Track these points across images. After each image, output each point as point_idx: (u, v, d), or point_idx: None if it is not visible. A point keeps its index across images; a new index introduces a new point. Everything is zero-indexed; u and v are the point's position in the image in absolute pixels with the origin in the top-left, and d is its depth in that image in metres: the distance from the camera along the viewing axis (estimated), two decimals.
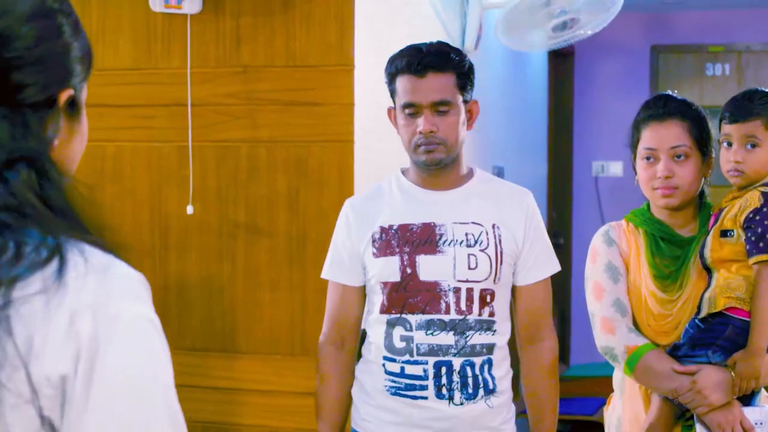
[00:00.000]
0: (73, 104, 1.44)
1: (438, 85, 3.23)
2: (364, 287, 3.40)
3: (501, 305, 3.30)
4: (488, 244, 3.26)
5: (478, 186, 3.37)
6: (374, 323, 3.35)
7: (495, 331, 3.27)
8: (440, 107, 3.22)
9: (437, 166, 3.28)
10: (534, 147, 8.29)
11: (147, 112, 4.50)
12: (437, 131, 3.22)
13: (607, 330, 3.31)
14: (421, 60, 3.22)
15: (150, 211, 4.53)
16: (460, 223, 3.27)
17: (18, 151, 1.33)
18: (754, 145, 3.22)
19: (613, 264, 3.38)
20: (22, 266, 1.28)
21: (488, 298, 3.26)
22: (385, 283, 3.28)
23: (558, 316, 8.29)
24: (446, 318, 3.22)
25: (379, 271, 3.28)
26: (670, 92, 3.48)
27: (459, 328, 3.22)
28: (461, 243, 3.25)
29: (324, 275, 3.47)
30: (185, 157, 4.44)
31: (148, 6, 4.35)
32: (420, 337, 3.23)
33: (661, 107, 3.35)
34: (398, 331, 3.27)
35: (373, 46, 4.40)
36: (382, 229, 3.31)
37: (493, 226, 3.28)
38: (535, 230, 3.34)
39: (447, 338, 3.22)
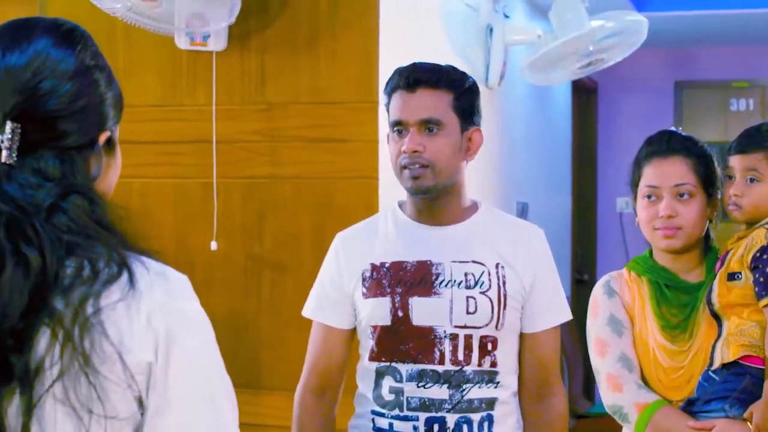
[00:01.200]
0: (109, 142, 1.74)
1: (428, 102, 2.90)
2: (351, 331, 3.07)
3: (506, 354, 2.96)
4: (490, 285, 2.92)
5: (481, 221, 3.03)
6: (363, 372, 3.03)
7: (498, 383, 2.93)
8: (429, 125, 2.89)
9: (426, 195, 2.93)
10: (558, 183, 8.28)
11: (172, 149, 4.52)
12: (423, 152, 2.88)
13: (615, 388, 3.08)
14: (413, 74, 2.93)
15: (175, 247, 4.54)
16: (460, 262, 2.93)
17: (69, 186, 1.62)
18: (753, 180, 3.08)
19: (615, 317, 3.15)
20: (100, 281, 1.57)
21: (490, 346, 2.92)
22: (374, 327, 2.95)
23: (581, 351, 8.24)
24: (440, 369, 2.88)
25: (369, 313, 2.96)
26: (674, 129, 3.32)
27: (454, 380, 2.88)
28: (460, 284, 2.91)
29: (306, 313, 3.15)
30: (210, 194, 4.46)
31: (174, 43, 4.38)
32: (410, 390, 2.89)
33: (664, 143, 3.17)
34: (387, 382, 2.93)
35: None
36: (373, 267, 2.98)
37: (497, 265, 2.94)
38: (546, 272, 3.02)
39: (440, 392, 2.87)
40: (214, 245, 4.43)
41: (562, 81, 5.90)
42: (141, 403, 1.60)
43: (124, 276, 1.60)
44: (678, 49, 9.42)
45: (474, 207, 3.07)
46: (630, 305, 3.18)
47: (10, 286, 1.52)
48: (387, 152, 4.29)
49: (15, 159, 1.60)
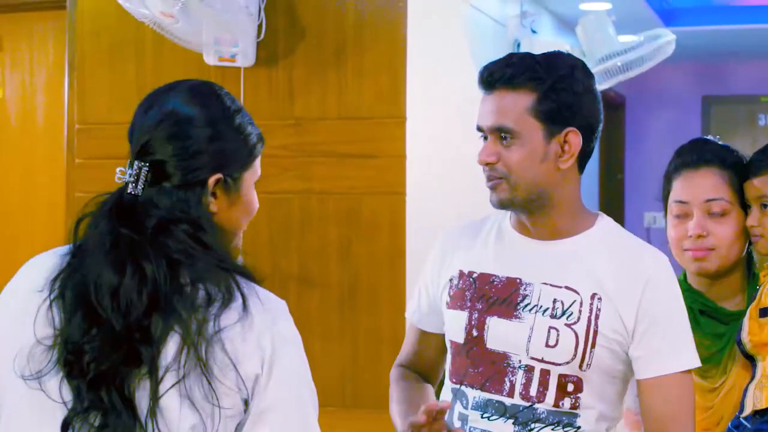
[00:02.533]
0: (226, 183, 2.06)
1: (501, 105, 2.48)
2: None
3: (595, 399, 2.49)
4: (579, 318, 2.46)
5: (589, 241, 2.56)
6: (445, 389, 2.68)
7: (579, 429, 2.47)
8: (501, 133, 2.48)
9: (508, 209, 2.57)
10: (585, 198, 8.23)
11: None
12: (495, 162, 2.48)
13: (632, 425, 2.73)
14: (488, 71, 2.51)
15: None
16: (551, 286, 2.50)
17: (176, 215, 1.97)
18: (766, 206, 2.70)
19: None
20: (218, 304, 1.92)
21: (570, 387, 2.47)
22: (452, 343, 2.62)
23: None
24: (507, 401, 2.49)
25: (448, 325, 2.63)
26: (710, 137, 2.95)
27: (522, 417, 2.48)
28: (545, 311, 2.49)
29: (406, 312, 2.85)
30: None
31: (202, 59, 4.39)
32: (474, 420, 2.53)
33: (695, 153, 2.78)
34: (457, 407, 2.58)
35: (425, 98, 4.42)
36: (461, 275, 2.61)
37: (593, 296, 2.47)
38: (659, 307, 2.47)
39: (505, 427, 2.49)
40: (240, 260, 4.42)
41: None
42: (246, 404, 1.95)
43: (239, 300, 1.95)
44: (706, 64, 9.40)
45: (590, 221, 2.60)
46: None
47: (130, 289, 1.89)
48: (414, 167, 4.32)
49: (139, 191, 1.99)
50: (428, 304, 2.71)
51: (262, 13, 4.38)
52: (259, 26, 4.37)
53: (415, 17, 4.32)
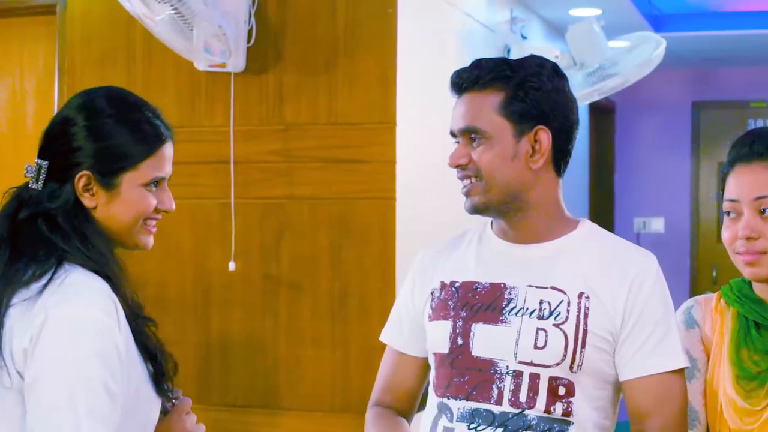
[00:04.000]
0: (100, 181, 2.17)
1: (470, 107, 2.45)
2: (425, 359, 2.62)
3: (587, 405, 2.40)
4: (567, 317, 2.38)
5: (573, 242, 2.49)
6: (428, 407, 2.55)
7: None
8: (470, 135, 2.45)
9: (484, 215, 2.51)
10: (575, 203, 8.27)
11: (190, 170, 4.53)
12: (466, 164, 2.44)
13: None
14: (456, 75, 2.51)
15: (193, 267, 4.55)
16: (537, 287, 2.43)
17: (36, 207, 2.17)
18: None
19: (690, 354, 2.50)
20: (34, 283, 2.07)
21: (561, 391, 2.37)
22: (435, 355, 2.52)
23: None
24: (495, 410, 2.38)
25: (431, 338, 2.53)
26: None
27: (511, 425, 2.37)
28: (531, 313, 2.40)
29: (381, 337, 2.72)
30: (228, 214, 4.47)
31: (193, 65, 4.40)
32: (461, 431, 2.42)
33: (747, 146, 2.47)
34: (442, 421, 2.46)
35: (415, 104, 4.42)
36: (443, 286, 2.53)
37: (580, 295, 2.40)
38: (646, 306, 2.40)
39: None
40: (232, 266, 4.44)
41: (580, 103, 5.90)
42: (21, 377, 2.03)
43: (43, 282, 2.06)
44: (695, 69, 9.42)
45: (572, 225, 2.52)
46: (710, 340, 2.53)
47: None
48: (404, 173, 4.33)
49: (40, 186, 2.19)
50: (410, 326, 2.62)
51: (252, 18, 4.38)
52: (250, 32, 4.37)
53: (405, 23, 4.33)
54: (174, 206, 2.33)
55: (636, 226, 9.37)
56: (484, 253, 2.54)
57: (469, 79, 2.46)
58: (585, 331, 2.38)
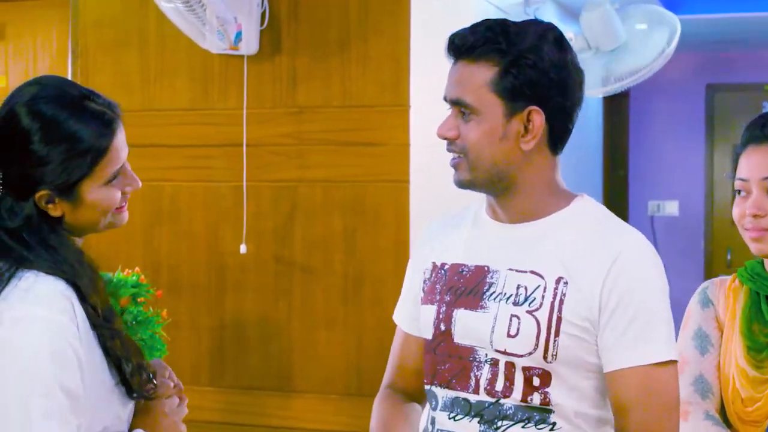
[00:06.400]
0: (67, 193, 2.11)
1: (461, 78, 2.28)
2: None
3: (567, 395, 2.25)
4: (542, 304, 2.22)
5: (560, 221, 2.31)
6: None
7: (553, 426, 2.23)
8: (460, 107, 2.29)
9: (470, 189, 2.35)
10: (589, 187, 8.25)
11: (203, 152, 4.54)
12: (455, 137, 2.30)
13: (681, 415, 2.41)
14: (452, 40, 2.31)
15: (206, 250, 4.56)
16: (516, 271, 2.27)
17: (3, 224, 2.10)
18: None
19: (703, 331, 2.57)
20: None
21: (536, 381, 2.23)
22: (424, 341, 2.41)
23: None
24: (472, 399, 2.28)
25: (421, 322, 2.42)
26: None
27: (487, 415, 2.25)
28: (508, 298, 2.26)
29: (393, 316, 2.61)
30: (240, 197, 4.47)
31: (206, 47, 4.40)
32: (442, 421, 2.33)
33: (758, 128, 2.59)
34: (428, 409, 2.40)
35: (428, 86, 4.41)
36: (434, 267, 2.42)
37: (558, 280, 2.23)
38: (627, 293, 2.20)
39: (470, 426, 2.27)
40: (243, 248, 4.44)
41: (596, 94, 5.87)
42: None
43: (1, 285, 2.04)
44: (709, 52, 9.38)
45: (564, 202, 2.34)
46: (723, 318, 2.61)
47: None
48: (418, 155, 4.32)
49: None
50: (412, 305, 2.49)
51: (266, 1, 4.37)
52: (263, 14, 4.36)
53: (418, 4, 4.32)
54: (140, 183, 2.22)
55: (650, 209, 9.35)
56: (474, 234, 2.39)
57: (464, 47, 2.27)
58: (559, 319, 2.20)
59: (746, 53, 9.34)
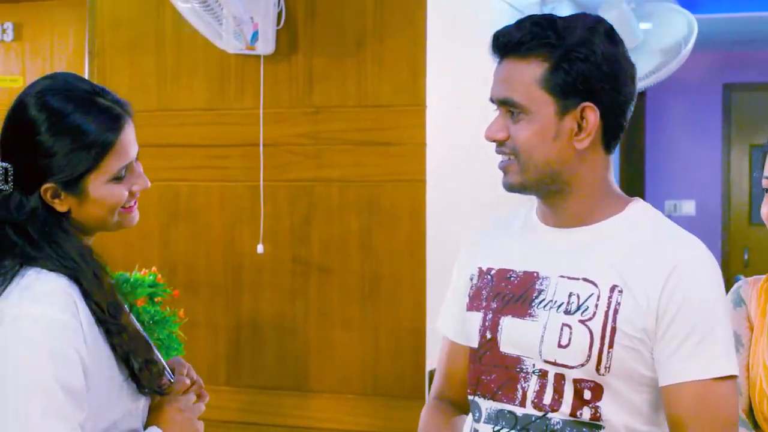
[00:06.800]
0: (70, 187, 2.11)
1: (509, 76, 2.16)
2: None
3: (620, 410, 2.13)
4: (595, 313, 2.10)
5: (617, 226, 2.20)
6: None
7: None
8: (508, 107, 2.16)
9: (520, 193, 2.23)
10: None
11: (220, 152, 4.54)
12: (504, 139, 2.17)
13: None
14: (497, 36, 2.19)
15: (223, 250, 4.56)
16: (568, 278, 2.16)
17: (9, 217, 2.11)
18: None
19: (734, 331, 2.33)
20: None
21: (587, 395, 2.11)
22: (469, 349, 2.30)
23: None
24: (518, 411, 2.17)
25: (467, 329, 2.31)
26: None
27: (533, 429, 2.15)
28: (559, 307, 2.14)
29: (437, 323, 2.50)
30: (257, 197, 4.47)
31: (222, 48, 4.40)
32: None
33: None
34: (470, 421, 2.30)
35: (444, 86, 4.41)
36: (480, 273, 2.30)
37: (613, 288, 2.11)
38: (686, 303, 2.08)
39: None
40: (260, 248, 4.44)
41: None
42: None
43: (4, 284, 2.04)
44: (726, 51, 9.36)
45: (620, 206, 2.24)
46: (754, 317, 2.54)
47: None
48: (434, 155, 4.31)
49: (9, 188, 2.12)
50: (457, 312, 2.36)
51: (282, 1, 4.38)
52: (279, 14, 4.37)
53: (434, 4, 4.32)
54: (149, 183, 2.21)
55: (667, 208, 9.33)
56: (524, 239, 2.28)
57: (510, 43, 2.15)
58: (613, 330, 2.09)
59: (763, 52, 9.31)
